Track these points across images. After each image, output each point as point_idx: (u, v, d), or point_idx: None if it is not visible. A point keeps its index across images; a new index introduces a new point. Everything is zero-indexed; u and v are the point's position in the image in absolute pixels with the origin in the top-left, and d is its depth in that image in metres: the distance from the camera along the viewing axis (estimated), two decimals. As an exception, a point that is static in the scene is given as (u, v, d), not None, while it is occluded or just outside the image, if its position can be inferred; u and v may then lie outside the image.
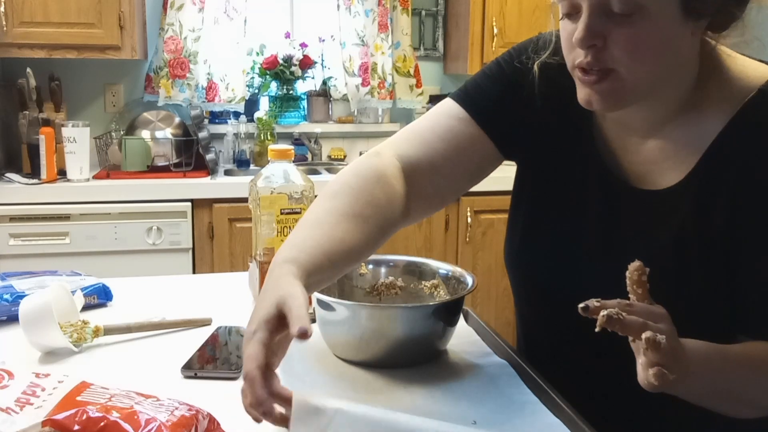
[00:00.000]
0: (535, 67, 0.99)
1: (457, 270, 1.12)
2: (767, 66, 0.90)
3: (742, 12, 0.83)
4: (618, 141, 0.96)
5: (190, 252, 2.74)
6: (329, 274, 0.86)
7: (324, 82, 3.38)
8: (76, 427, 0.69)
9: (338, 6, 3.25)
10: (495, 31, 3.15)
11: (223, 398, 0.91)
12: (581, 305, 0.72)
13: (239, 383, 0.95)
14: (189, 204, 2.71)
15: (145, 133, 2.90)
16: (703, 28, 0.84)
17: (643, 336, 0.70)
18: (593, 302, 0.72)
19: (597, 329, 0.72)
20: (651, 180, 0.93)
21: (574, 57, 0.85)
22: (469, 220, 2.99)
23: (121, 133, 3.00)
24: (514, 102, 1.02)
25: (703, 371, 0.79)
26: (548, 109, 1.00)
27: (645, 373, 0.71)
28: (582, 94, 0.87)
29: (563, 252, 0.98)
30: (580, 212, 0.98)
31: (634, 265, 0.76)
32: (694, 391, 0.81)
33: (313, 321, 1.09)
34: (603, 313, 0.71)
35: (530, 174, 1.05)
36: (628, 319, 0.71)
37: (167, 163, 2.88)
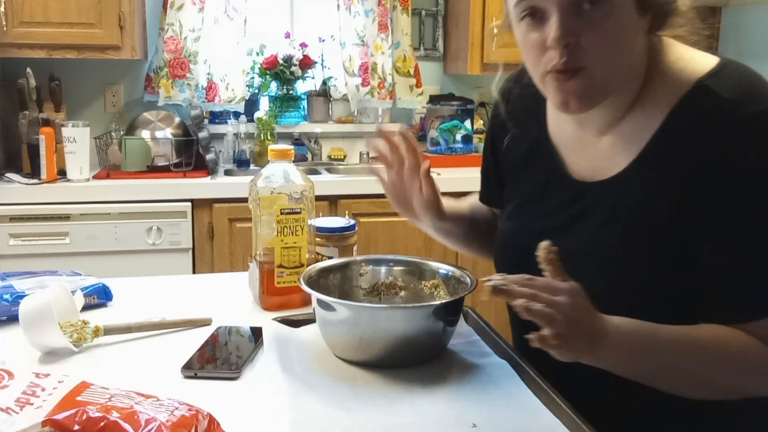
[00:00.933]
0: (496, 94, 1.13)
1: (457, 270, 1.12)
2: (712, 58, 0.93)
3: (674, 11, 0.91)
4: (577, 141, 1.03)
5: (190, 252, 2.74)
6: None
7: (324, 82, 3.38)
8: (76, 427, 0.69)
9: (338, 6, 3.25)
10: (495, 31, 3.15)
11: (223, 398, 0.91)
12: (484, 279, 0.80)
13: (239, 383, 0.96)
14: (189, 204, 2.71)
15: (145, 133, 2.90)
16: (647, 24, 0.90)
17: (515, 303, 0.76)
18: (497, 277, 0.80)
19: (485, 299, 0.80)
20: (603, 173, 0.97)
21: (547, 61, 0.89)
22: (469, 220, 2.99)
23: (121, 133, 3.00)
24: (497, 157, 1.17)
25: (627, 345, 0.84)
26: (514, 125, 1.11)
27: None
28: (558, 98, 0.92)
29: (531, 252, 0.99)
30: (545, 212, 1.04)
31: (544, 244, 0.82)
32: (619, 364, 0.85)
33: (313, 321, 1.10)
34: (489, 283, 0.79)
35: (508, 188, 1.15)
36: (516, 289, 0.78)
37: (167, 163, 2.88)
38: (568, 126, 1.04)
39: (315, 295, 1.02)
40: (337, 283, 1.16)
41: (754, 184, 0.84)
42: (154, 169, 2.85)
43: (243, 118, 3.26)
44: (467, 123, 3.30)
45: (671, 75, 0.92)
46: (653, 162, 0.91)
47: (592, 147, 1.00)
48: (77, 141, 2.65)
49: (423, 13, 3.48)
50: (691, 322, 0.89)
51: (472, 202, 1.28)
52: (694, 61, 0.93)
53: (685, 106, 0.90)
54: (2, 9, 2.68)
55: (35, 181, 2.66)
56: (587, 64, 0.87)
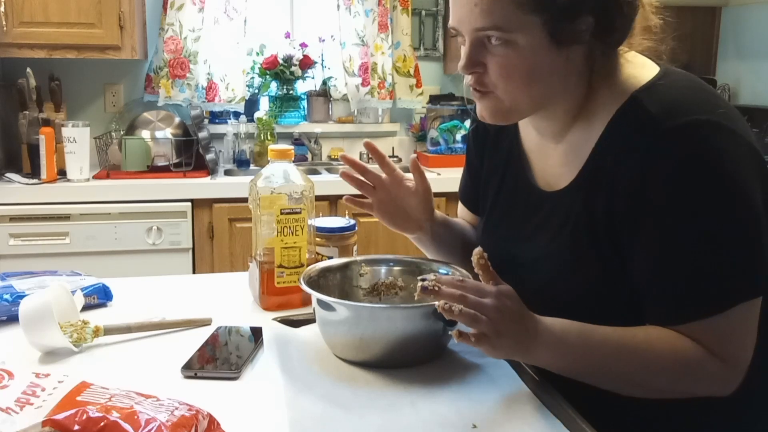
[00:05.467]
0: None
1: (457, 270, 1.12)
2: (654, 68, 0.96)
3: (620, 38, 0.93)
4: (539, 149, 1.08)
5: (190, 252, 2.74)
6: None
7: (324, 82, 3.38)
8: (76, 427, 0.69)
9: (338, 6, 3.25)
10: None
11: (223, 398, 0.91)
12: (420, 277, 0.87)
13: (239, 383, 0.96)
14: (189, 204, 2.71)
15: (145, 133, 2.90)
16: (583, 51, 0.93)
17: (436, 304, 0.83)
18: (430, 276, 0.86)
19: (416, 297, 0.87)
20: (557, 182, 1.02)
21: (466, 78, 0.98)
22: (469, 220, 2.99)
23: (121, 133, 3.00)
24: (479, 169, 1.19)
25: (558, 346, 0.88)
26: (492, 129, 1.15)
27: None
28: (477, 109, 1.01)
29: (499, 256, 1.00)
30: (513, 221, 1.09)
31: (476, 251, 0.88)
32: (550, 363, 0.90)
33: (313, 321, 1.10)
34: (419, 284, 0.84)
35: (486, 193, 1.18)
36: (444, 290, 0.84)
37: (167, 163, 2.88)
38: (532, 133, 1.08)
39: (315, 295, 1.02)
40: (337, 283, 1.16)
41: (674, 195, 0.87)
42: (154, 169, 2.85)
43: (243, 118, 3.26)
44: (467, 123, 3.30)
45: (614, 87, 0.95)
46: (592, 175, 0.95)
47: (550, 154, 1.04)
48: (77, 141, 2.65)
49: (423, 13, 3.48)
50: (641, 323, 0.92)
51: (461, 215, 1.32)
52: (637, 72, 0.95)
53: (618, 119, 0.93)
54: (2, 9, 2.67)
55: (35, 181, 2.66)
56: (495, 90, 0.94)
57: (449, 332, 0.86)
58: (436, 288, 0.84)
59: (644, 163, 0.88)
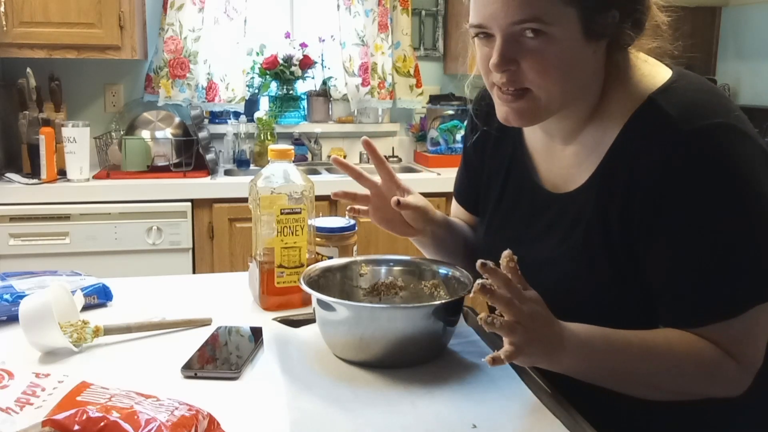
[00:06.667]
0: (467, 90, 1.15)
1: (457, 270, 1.12)
2: (667, 71, 0.96)
3: (637, 33, 0.93)
4: (546, 150, 1.07)
5: (190, 252, 2.74)
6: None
7: (324, 82, 3.38)
8: (76, 427, 0.69)
9: (338, 6, 3.25)
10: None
11: (223, 398, 0.91)
12: (480, 261, 0.81)
13: (239, 383, 0.96)
14: (189, 204, 2.71)
15: (145, 133, 2.90)
16: (604, 47, 0.93)
17: (479, 318, 0.80)
18: (491, 264, 0.82)
19: (471, 295, 0.85)
20: (566, 183, 1.01)
21: (492, 78, 0.94)
22: (469, 220, 2.99)
23: (121, 133, 3.00)
24: (480, 170, 1.19)
25: (582, 352, 0.87)
26: (494, 131, 1.13)
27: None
28: (500, 111, 0.98)
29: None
30: (519, 222, 1.08)
31: (506, 253, 0.85)
32: (574, 369, 0.89)
33: (313, 321, 1.10)
34: (478, 281, 0.81)
35: (488, 194, 1.17)
36: (499, 292, 0.81)
37: (167, 163, 2.88)
38: (539, 134, 1.07)
39: (315, 295, 1.02)
40: (337, 283, 1.16)
41: (691, 198, 0.87)
42: (154, 169, 2.85)
43: (243, 118, 3.26)
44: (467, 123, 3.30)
45: (628, 88, 0.95)
46: (607, 176, 0.95)
47: (559, 155, 1.04)
48: (77, 141, 2.65)
49: (423, 13, 3.48)
50: (652, 325, 0.92)
51: (455, 213, 1.31)
52: (651, 74, 0.95)
53: (635, 121, 0.93)
54: (2, 9, 2.67)
55: (35, 181, 2.66)
56: (530, 87, 0.92)
57: (482, 346, 0.85)
58: (493, 289, 0.81)
59: (661, 166, 0.88)
